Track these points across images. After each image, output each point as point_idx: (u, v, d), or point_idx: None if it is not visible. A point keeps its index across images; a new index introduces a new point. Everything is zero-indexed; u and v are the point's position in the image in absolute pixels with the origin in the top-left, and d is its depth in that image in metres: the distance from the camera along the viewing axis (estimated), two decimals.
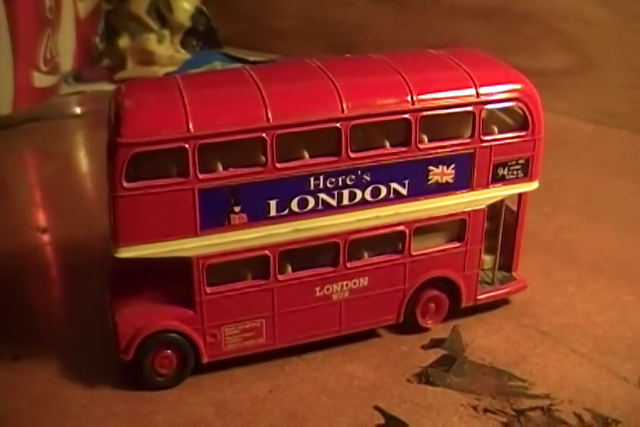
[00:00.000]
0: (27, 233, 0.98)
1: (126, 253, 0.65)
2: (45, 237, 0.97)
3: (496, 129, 0.73)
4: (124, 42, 1.51)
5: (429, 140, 0.70)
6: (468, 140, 0.71)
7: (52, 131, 1.31)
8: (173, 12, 1.51)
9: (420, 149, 0.70)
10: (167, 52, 1.50)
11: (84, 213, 1.02)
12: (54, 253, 0.95)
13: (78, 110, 1.40)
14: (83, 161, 1.26)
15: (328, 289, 0.72)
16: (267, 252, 0.68)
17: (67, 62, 1.46)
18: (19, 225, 1.01)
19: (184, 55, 1.52)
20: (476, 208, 0.74)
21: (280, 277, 0.70)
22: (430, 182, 0.72)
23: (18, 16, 1.23)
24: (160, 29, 1.51)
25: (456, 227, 0.75)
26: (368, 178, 0.69)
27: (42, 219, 1.04)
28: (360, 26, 1.55)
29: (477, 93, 0.70)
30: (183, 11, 1.51)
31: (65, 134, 1.34)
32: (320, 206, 0.69)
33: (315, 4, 1.61)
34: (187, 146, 0.63)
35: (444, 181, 0.72)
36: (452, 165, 0.72)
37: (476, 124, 0.71)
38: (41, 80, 1.31)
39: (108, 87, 1.45)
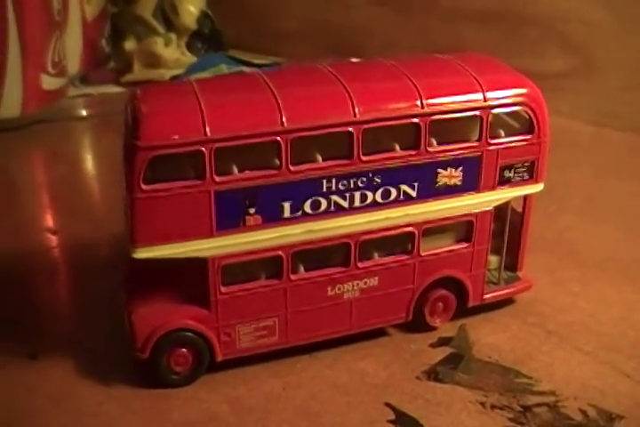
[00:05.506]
0: (37, 235, 0.99)
1: (144, 253, 0.66)
2: (56, 239, 0.98)
3: (502, 132, 0.74)
4: (130, 45, 1.52)
5: (438, 144, 0.72)
6: (475, 144, 0.73)
7: (59, 133, 1.32)
8: (179, 15, 1.52)
9: (429, 153, 0.71)
10: (173, 54, 1.51)
11: (92, 214, 1.03)
12: (65, 253, 0.96)
13: (85, 112, 1.41)
14: (90, 162, 1.27)
15: (339, 289, 0.73)
16: (280, 252, 0.70)
17: (74, 65, 1.47)
18: (29, 227, 1.01)
19: (190, 58, 1.53)
20: (483, 210, 0.76)
21: (293, 277, 0.71)
22: (439, 185, 0.73)
23: (27, 19, 1.24)
24: (166, 32, 1.52)
25: (463, 228, 0.76)
26: (379, 180, 0.70)
27: (51, 220, 1.05)
28: (363, 29, 1.56)
29: (485, 98, 0.72)
30: (189, 14, 1.53)
31: (72, 136, 1.35)
32: (332, 208, 0.70)
33: (319, 7, 1.61)
34: (203, 149, 0.64)
35: (452, 183, 0.73)
36: (460, 168, 0.73)
37: (484, 127, 0.72)
38: (49, 83, 1.32)
39: (115, 90, 1.47)
